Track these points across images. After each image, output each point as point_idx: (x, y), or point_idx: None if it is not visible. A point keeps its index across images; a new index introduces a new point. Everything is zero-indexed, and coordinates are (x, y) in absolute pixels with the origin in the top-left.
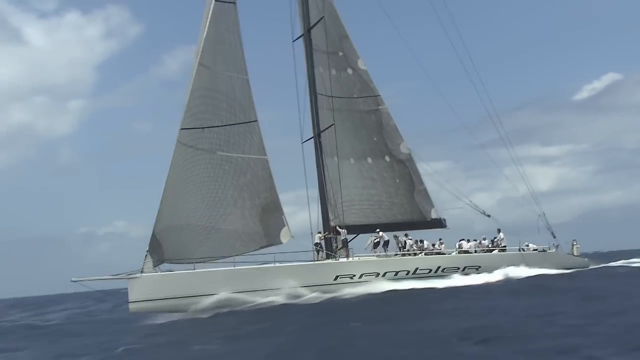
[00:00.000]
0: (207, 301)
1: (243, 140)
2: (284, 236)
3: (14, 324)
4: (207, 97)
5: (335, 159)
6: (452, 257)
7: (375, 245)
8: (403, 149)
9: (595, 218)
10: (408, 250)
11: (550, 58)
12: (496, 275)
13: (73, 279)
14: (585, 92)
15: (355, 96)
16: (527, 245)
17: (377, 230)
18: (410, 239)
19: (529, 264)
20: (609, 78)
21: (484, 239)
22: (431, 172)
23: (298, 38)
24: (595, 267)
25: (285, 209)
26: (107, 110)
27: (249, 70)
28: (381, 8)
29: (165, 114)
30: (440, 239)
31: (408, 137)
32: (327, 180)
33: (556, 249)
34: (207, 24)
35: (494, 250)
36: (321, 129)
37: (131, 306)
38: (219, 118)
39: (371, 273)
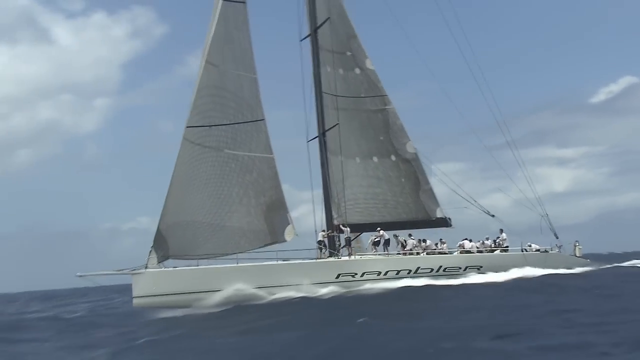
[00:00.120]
0: (215, 297)
1: (250, 139)
2: (289, 234)
3: (41, 315)
4: (216, 95)
5: (340, 157)
6: (454, 257)
7: (376, 244)
8: (409, 148)
9: (610, 219)
10: (410, 250)
11: (568, 61)
12: (500, 275)
13: (78, 274)
14: (602, 95)
15: (363, 95)
16: (530, 246)
17: (378, 229)
18: (413, 239)
19: (531, 265)
20: (625, 81)
21: (487, 239)
22: (439, 173)
23: (305, 38)
24: (608, 266)
25: (304, 208)
26: (132, 108)
27: (258, 69)
28: (406, 8)
29: (188, 113)
30: (441, 239)
31: (426, 137)
32: (331, 179)
33: (559, 249)
34: (215, 23)
35: (496, 250)
36: (326, 128)
37: (135, 301)
38: (226, 116)
39: (373, 272)
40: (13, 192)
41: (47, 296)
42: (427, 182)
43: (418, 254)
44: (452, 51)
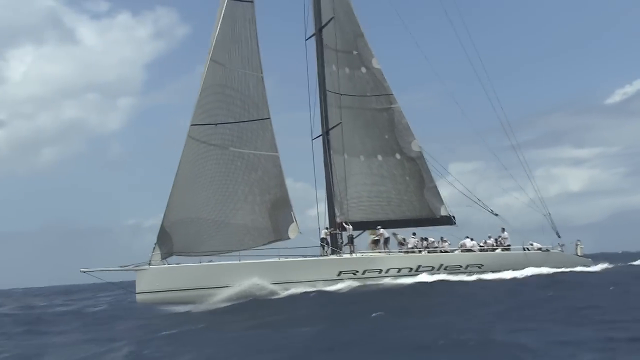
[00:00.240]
0: (223, 293)
1: (255, 137)
2: (292, 232)
3: (66, 309)
4: (221, 93)
5: (343, 156)
6: (454, 256)
7: (375, 242)
8: (414, 147)
9: (624, 219)
10: (412, 248)
11: (583, 62)
12: (502, 274)
13: (82, 269)
14: (617, 96)
15: (368, 94)
16: (532, 244)
17: (378, 227)
18: (414, 237)
19: (532, 264)
20: None
21: (490, 238)
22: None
23: (310, 37)
24: (621, 264)
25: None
26: (154, 107)
27: (265, 67)
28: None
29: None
30: (442, 237)
31: (442, 137)
32: (334, 177)
33: (561, 248)
34: (220, 22)
35: (497, 249)
36: (330, 127)
37: (138, 297)
38: (232, 114)
39: (374, 269)
40: (39, 190)
41: (71, 290)
42: (432, 180)
43: (420, 252)
44: (459, 54)
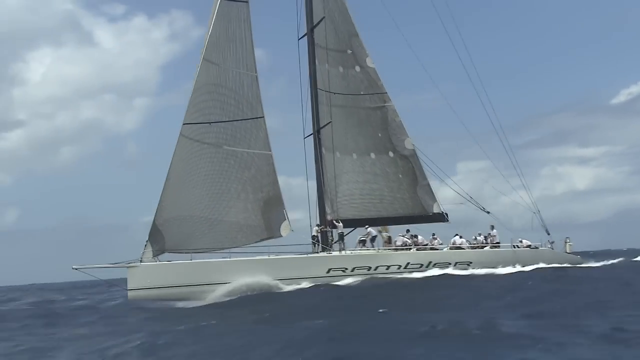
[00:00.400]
0: (213, 290)
1: (249, 136)
2: (284, 230)
3: (85, 303)
4: (215, 92)
5: (334, 154)
6: (443, 253)
7: (362, 242)
8: (407, 145)
9: (630, 216)
10: (401, 246)
11: (589, 63)
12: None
13: (74, 266)
14: (622, 96)
15: (362, 93)
16: (521, 242)
17: (366, 226)
18: (402, 235)
19: (521, 261)
20: None
21: (480, 235)
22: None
23: (302, 36)
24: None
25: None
26: (169, 108)
27: (259, 66)
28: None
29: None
30: (433, 234)
31: (450, 136)
32: (325, 175)
33: (551, 245)
34: (213, 22)
35: (486, 246)
36: (321, 125)
37: (129, 294)
38: (226, 113)
39: (363, 267)
40: (57, 188)
41: (89, 285)
42: (425, 178)
43: (409, 249)
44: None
